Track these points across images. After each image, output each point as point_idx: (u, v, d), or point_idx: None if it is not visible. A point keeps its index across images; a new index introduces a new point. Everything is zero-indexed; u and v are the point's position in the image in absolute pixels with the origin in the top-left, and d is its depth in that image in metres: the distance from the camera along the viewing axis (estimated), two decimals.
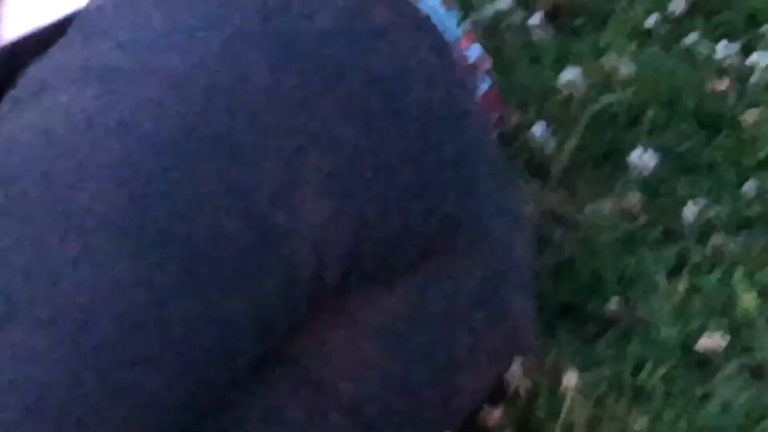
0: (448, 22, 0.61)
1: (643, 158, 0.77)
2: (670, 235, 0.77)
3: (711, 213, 0.77)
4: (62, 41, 0.51)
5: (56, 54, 0.50)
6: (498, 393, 0.59)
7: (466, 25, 0.74)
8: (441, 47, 0.56)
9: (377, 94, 0.50)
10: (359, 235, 0.47)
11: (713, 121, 0.87)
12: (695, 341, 0.66)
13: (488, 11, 0.98)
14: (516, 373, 0.58)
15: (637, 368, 0.65)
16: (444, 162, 0.52)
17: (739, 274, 0.71)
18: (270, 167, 0.45)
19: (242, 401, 0.47)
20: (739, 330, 0.66)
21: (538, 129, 0.83)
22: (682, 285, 0.72)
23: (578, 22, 1.01)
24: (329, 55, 0.49)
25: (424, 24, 0.56)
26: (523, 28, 0.98)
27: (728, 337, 0.64)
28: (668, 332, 0.68)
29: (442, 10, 0.61)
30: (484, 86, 0.67)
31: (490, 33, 0.94)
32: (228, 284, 0.44)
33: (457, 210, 0.53)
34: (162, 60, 0.47)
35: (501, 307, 0.56)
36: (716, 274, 0.72)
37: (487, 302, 0.55)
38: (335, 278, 0.47)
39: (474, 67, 0.66)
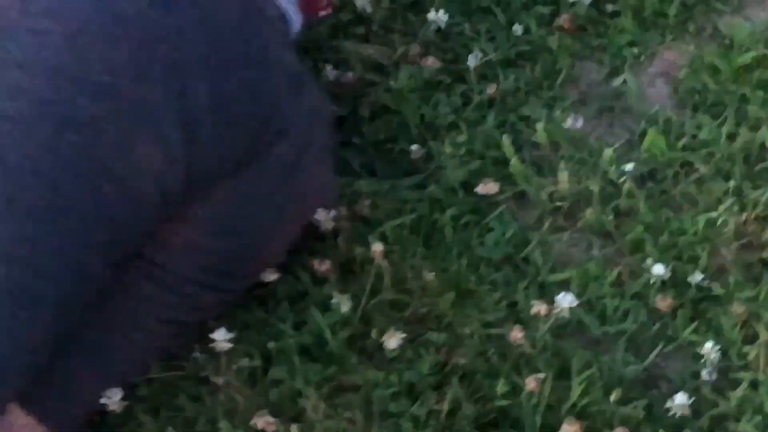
0: None
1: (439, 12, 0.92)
2: (459, 78, 0.89)
3: (490, 56, 0.89)
4: None
5: None
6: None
7: None
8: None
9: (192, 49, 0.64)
10: (190, 165, 0.62)
11: None
12: (476, 183, 0.82)
13: None
14: (324, 220, 0.76)
15: (432, 210, 0.82)
16: (246, 91, 0.67)
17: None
18: (111, 134, 0.60)
19: (109, 290, 0.65)
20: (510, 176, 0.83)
21: None
22: (463, 127, 0.86)
23: None
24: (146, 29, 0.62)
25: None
26: None
27: (499, 184, 0.82)
28: (454, 174, 0.83)
29: None
30: None
31: None
32: (87, 218, 0.61)
33: (262, 123, 0.68)
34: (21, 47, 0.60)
35: (299, 183, 0.73)
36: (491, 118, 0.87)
37: (287, 183, 0.72)
38: (176, 195, 0.63)
39: None
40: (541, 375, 0.68)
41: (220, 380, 0.69)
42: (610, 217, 0.81)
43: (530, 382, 0.67)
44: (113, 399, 0.66)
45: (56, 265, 0.59)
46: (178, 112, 0.61)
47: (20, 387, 0.61)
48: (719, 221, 0.79)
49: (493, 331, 0.73)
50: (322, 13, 0.86)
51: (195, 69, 0.63)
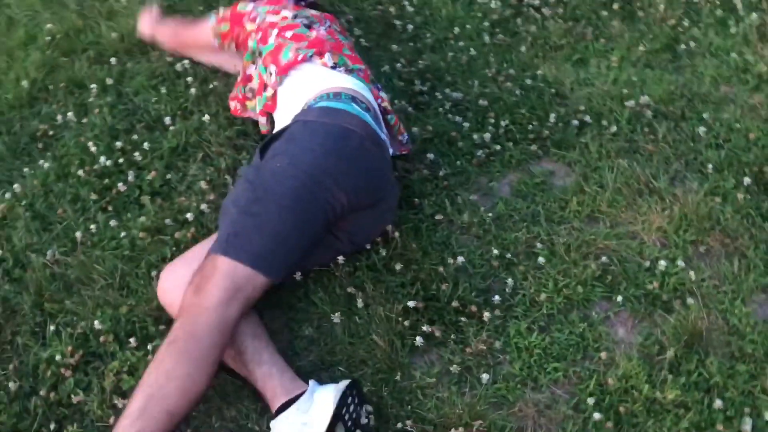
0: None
1: None
2: None
3: None
4: (285, 136, 1.66)
5: (278, 143, 1.64)
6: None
7: None
8: (381, 145, 1.76)
9: (366, 174, 1.68)
10: (350, 206, 1.62)
11: None
12: None
13: None
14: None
15: None
16: (383, 188, 1.75)
17: None
18: (332, 190, 1.59)
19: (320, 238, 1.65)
20: None
21: None
22: None
23: None
24: (348, 153, 1.65)
25: (376, 137, 1.73)
26: None
27: None
28: None
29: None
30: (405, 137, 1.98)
31: None
32: (318, 218, 1.59)
33: (380, 195, 1.73)
34: (299, 159, 1.60)
35: (386, 216, 1.81)
36: None
37: (383, 215, 1.80)
38: (343, 213, 1.62)
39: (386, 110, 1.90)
40: None
41: None
42: None
43: None
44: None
45: (308, 232, 1.58)
46: (347, 192, 1.60)
47: (289, 271, 1.63)
48: None
49: None
50: (404, 151, 2.00)
51: (363, 179, 1.66)
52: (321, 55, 1.86)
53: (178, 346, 1.40)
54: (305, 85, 1.82)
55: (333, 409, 1.36)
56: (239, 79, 2.10)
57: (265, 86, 1.93)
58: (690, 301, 1.68)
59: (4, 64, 2.48)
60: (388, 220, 1.82)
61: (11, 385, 1.59)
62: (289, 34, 1.94)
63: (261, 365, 1.49)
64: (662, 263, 1.74)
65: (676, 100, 2.18)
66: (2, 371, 1.63)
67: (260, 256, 1.48)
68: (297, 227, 1.55)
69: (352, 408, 1.41)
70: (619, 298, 1.70)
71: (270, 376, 1.48)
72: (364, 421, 1.45)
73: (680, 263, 1.75)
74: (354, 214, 1.66)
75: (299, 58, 1.86)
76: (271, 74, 1.90)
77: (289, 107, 1.80)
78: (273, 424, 1.43)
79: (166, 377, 1.37)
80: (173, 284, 1.60)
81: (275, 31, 1.96)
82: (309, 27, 1.97)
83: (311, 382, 1.49)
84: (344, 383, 1.44)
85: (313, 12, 2.10)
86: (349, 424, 1.39)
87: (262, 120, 1.98)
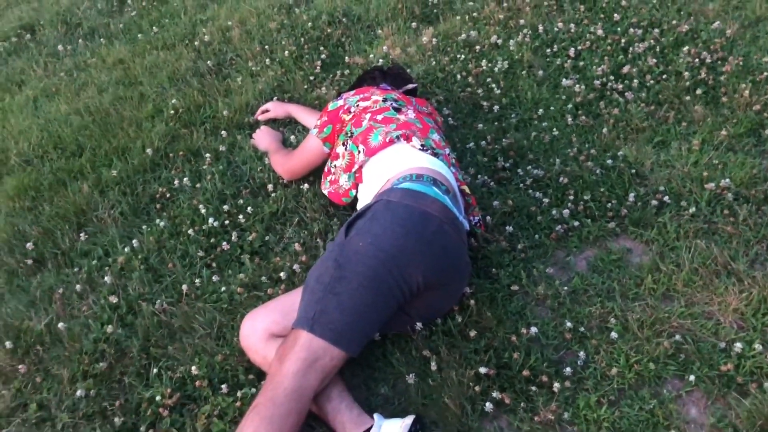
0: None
1: None
2: None
3: None
4: (368, 215, 1.72)
5: (362, 222, 1.71)
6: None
7: None
8: (458, 227, 1.81)
9: (443, 257, 1.73)
10: (426, 284, 1.69)
11: None
12: None
13: None
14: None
15: None
16: (457, 270, 1.82)
17: None
18: (409, 270, 1.65)
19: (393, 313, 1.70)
20: None
21: None
22: None
23: None
24: (427, 236, 1.70)
25: (454, 220, 1.79)
26: None
27: None
28: None
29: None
30: (475, 219, 2.05)
31: None
32: (395, 296, 1.65)
33: (449, 271, 1.77)
34: (381, 240, 1.66)
35: (455, 296, 1.87)
36: None
37: (451, 295, 1.86)
38: (413, 294, 1.68)
39: (465, 193, 2.00)
40: None
41: None
42: None
43: None
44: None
45: (384, 308, 1.65)
46: (424, 272, 1.67)
47: (364, 344, 1.64)
48: None
49: None
50: (474, 220, 2.04)
51: (439, 261, 1.71)
52: (408, 138, 1.97)
53: (259, 411, 1.48)
54: (391, 163, 1.92)
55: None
56: (330, 156, 2.22)
57: (353, 163, 2.04)
58: (767, 385, 1.63)
59: (133, 133, 2.74)
60: (455, 299, 1.86)
61: (116, 420, 1.72)
62: (380, 117, 2.06)
63: (331, 400, 1.57)
64: (738, 345, 1.70)
65: (758, 183, 2.14)
66: (110, 407, 1.77)
67: (340, 333, 1.56)
68: (375, 306, 1.61)
69: None
70: (692, 378, 1.67)
71: (339, 411, 1.55)
72: None
73: (758, 346, 1.70)
74: (426, 293, 1.72)
75: (387, 140, 1.97)
76: (359, 152, 2.02)
77: (373, 183, 1.91)
78: None
79: None
80: (252, 330, 1.72)
81: (368, 115, 2.09)
82: (398, 110, 2.09)
83: (376, 415, 1.55)
84: (410, 418, 1.49)
85: (401, 94, 2.23)
86: None
87: (342, 190, 2.09)
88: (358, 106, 2.14)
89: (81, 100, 3.08)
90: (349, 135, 2.10)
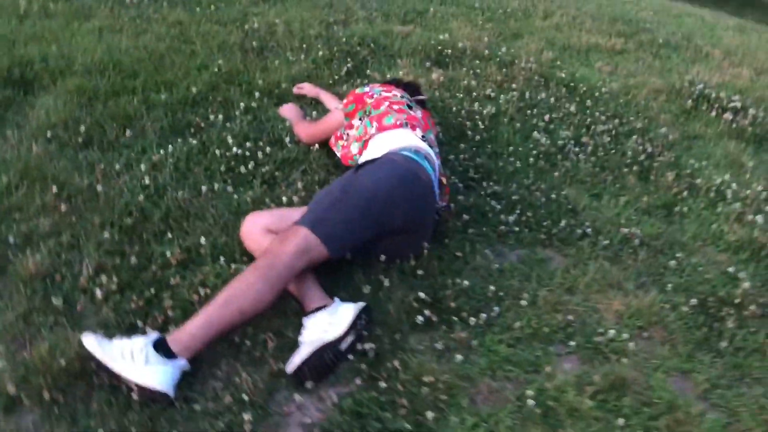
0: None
1: None
2: None
3: None
4: (377, 162, 2.27)
5: (370, 166, 2.24)
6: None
7: None
8: (434, 196, 2.35)
9: (420, 211, 2.27)
10: (402, 225, 2.19)
11: None
12: None
13: None
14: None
15: None
16: (425, 226, 2.34)
17: None
18: (393, 211, 2.15)
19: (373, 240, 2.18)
20: None
21: None
22: None
23: None
24: (414, 190, 2.23)
25: (433, 189, 2.32)
26: None
27: None
28: None
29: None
30: (444, 204, 2.54)
31: None
32: (379, 224, 2.15)
33: (420, 223, 2.28)
34: (381, 181, 2.18)
35: (418, 247, 2.34)
36: None
37: (420, 237, 2.35)
38: (391, 231, 2.18)
39: (442, 184, 2.50)
40: None
41: None
42: None
43: None
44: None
45: (368, 231, 2.12)
46: (403, 215, 2.18)
47: (343, 253, 2.15)
48: None
49: None
50: (444, 207, 2.53)
51: (417, 212, 2.24)
52: (413, 128, 2.51)
53: (259, 269, 1.92)
54: (395, 139, 2.44)
55: (352, 317, 1.88)
56: (345, 126, 2.75)
57: (365, 135, 2.57)
58: (624, 360, 2.14)
59: (182, 75, 3.23)
60: (416, 249, 2.35)
61: (132, 259, 2.15)
62: (396, 107, 2.60)
63: (304, 281, 2.04)
64: (611, 331, 2.22)
65: (660, 239, 2.72)
66: (128, 250, 2.20)
67: (332, 237, 2.02)
68: (362, 227, 2.09)
69: (363, 323, 1.91)
70: (572, 343, 2.17)
71: (308, 288, 2.03)
72: (367, 346, 1.95)
73: (625, 335, 2.22)
74: (397, 236, 2.22)
75: (397, 123, 2.51)
76: (373, 127, 2.55)
77: (382, 146, 2.41)
78: (306, 320, 1.94)
79: (246, 286, 1.89)
80: (253, 223, 2.19)
81: (387, 102, 2.63)
82: (410, 108, 2.64)
83: (336, 298, 2.02)
84: (361, 304, 1.96)
85: (414, 100, 2.79)
86: (357, 336, 1.90)
87: (350, 154, 2.62)
88: (380, 94, 2.68)
89: (141, 40, 3.58)
90: (367, 113, 2.62)
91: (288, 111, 3.09)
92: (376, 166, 2.22)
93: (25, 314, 1.94)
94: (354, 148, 2.60)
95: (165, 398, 1.72)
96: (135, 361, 1.71)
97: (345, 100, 2.77)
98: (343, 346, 1.92)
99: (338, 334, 1.91)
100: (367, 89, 2.76)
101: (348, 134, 2.67)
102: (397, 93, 2.72)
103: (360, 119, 2.65)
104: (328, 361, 1.89)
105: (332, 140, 2.75)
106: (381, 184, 2.15)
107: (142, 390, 1.69)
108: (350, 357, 1.95)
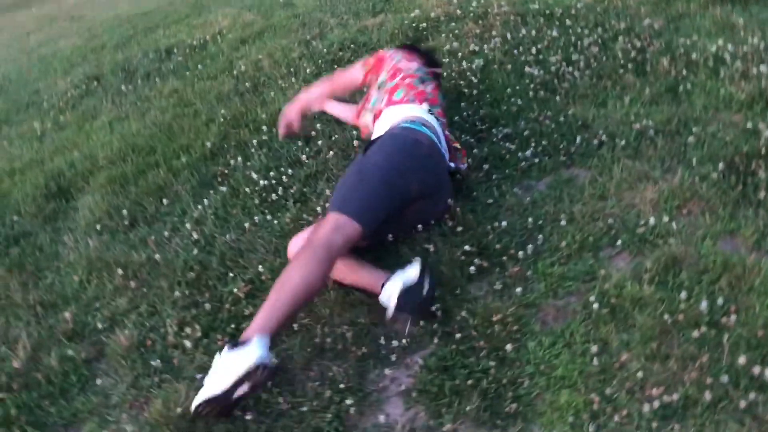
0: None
1: None
2: None
3: None
4: (379, 141, 2.43)
5: (374, 146, 2.41)
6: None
7: None
8: (442, 155, 2.52)
9: (431, 172, 2.43)
10: (420, 190, 2.34)
11: None
12: None
13: None
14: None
15: None
16: (441, 185, 2.48)
17: None
18: (408, 177, 2.32)
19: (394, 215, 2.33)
20: None
21: None
22: None
23: None
24: (417, 155, 2.40)
25: (438, 149, 2.49)
26: None
27: None
28: None
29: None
30: (464, 166, 2.71)
31: None
32: (400, 193, 2.32)
33: (434, 183, 2.43)
34: (389, 156, 2.36)
35: (443, 206, 2.47)
36: None
37: (439, 202, 2.48)
38: (412, 198, 2.34)
39: (456, 149, 2.69)
40: None
41: None
42: None
43: None
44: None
45: (390, 201, 2.28)
46: (417, 181, 2.33)
47: (373, 229, 2.22)
48: None
49: None
50: (461, 165, 2.67)
51: (427, 175, 2.39)
52: (421, 102, 2.65)
53: (299, 258, 2.06)
54: (400, 113, 2.59)
55: (420, 264, 2.11)
56: (366, 95, 2.91)
57: (377, 109, 2.74)
58: (671, 240, 2.23)
59: (193, 135, 3.45)
60: (442, 209, 2.48)
61: (206, 305, 2.35)
62: (407, 81, 2.75)
63: (361, 269, 2.22)
64: (652, 219, 2.31)
65: (672, 122, 2.78)
66: (201, 300, 2.40)
67: (359, 212, 2.17)
68: (384, 198, 2.25)
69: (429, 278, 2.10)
70: (619, 242, 2.28)
71: (368, 273, 2.20)
72: (433, 308, 2.10)
73: (665, 219, 2.31)
74: (421, 201, 2.36)
75: (405, 99, 2.66)
76: (383, 101, 2.70)
77: (386, 122, 2.58)
78: (383, 293, 2.13)
79: (294, 272, 2.01)
80: (296, 243, 2.34)
81: (401, 74, 2.78)
82: (422, 82, 2.78)
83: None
84: (419, 260, 2.15)
85: (429, 69, 2.91)
86: (431, 280, 2.09)
87: (368, 127, 2.81)
88: (400, 62, 2.84)
89: (147, 119, 3.82)
90: (383, 84, 2.78)
91: (290, 111, 3.18)
92: (382, 143, 2.40)
93: (133, 382, 2.15)
94: (368, 121, 2.79)
95: (263, 369, 1.83)
96: (222, 365, 1.85)
97: (369, 59, 2.97)
98: (425, 289, 2.07)
99: (416, 276, 2.10)
100: (391, 52, 2.94)
101: (366, 108, 2.85)
102: (413, 65, 2.86)
103: (378, 89, 2.81)
104: (415, 296, 2.06)
105: (355, 116, 2.92)
106: (392, 157, 2.33)
107: (246, 375, 1.81)
108: (435, 294, 2.14)
